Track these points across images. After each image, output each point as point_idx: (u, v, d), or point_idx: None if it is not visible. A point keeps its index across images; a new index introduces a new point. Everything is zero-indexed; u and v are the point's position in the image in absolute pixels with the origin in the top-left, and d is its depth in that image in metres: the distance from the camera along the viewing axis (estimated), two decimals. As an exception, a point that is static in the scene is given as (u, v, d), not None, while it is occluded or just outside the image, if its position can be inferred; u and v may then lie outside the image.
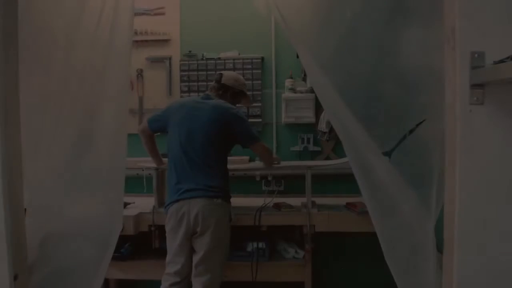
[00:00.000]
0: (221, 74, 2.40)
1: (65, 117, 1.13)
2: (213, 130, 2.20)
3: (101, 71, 1.23)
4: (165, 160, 2.58)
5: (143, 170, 2.95)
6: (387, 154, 1.03)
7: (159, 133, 2.45)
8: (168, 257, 2.25)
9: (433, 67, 0.97)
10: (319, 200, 2.73)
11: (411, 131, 1.03)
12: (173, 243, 2.22)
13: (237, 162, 2.90)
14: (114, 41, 1.25)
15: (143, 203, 2.71)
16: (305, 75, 3.00)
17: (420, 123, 1.01)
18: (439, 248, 1.03)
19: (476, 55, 0.87)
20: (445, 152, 0.94)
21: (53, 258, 1.11)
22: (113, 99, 1.26)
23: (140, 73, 3.16)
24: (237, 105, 2.45)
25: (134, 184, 3.13)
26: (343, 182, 3.02)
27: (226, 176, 2.29)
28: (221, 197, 2.19)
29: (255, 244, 2.55)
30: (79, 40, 1.21)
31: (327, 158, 3.07)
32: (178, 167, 2.23)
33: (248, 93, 3.02)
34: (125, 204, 2.66)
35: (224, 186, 2.24)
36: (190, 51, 3.11)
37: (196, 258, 2.18)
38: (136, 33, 3.15)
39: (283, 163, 2.92)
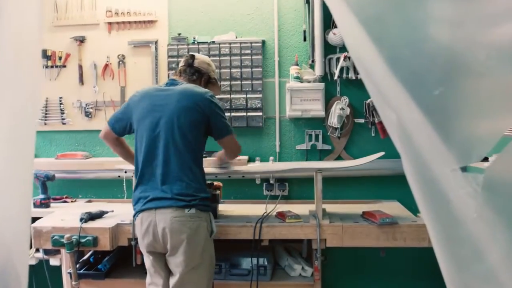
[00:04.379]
0: (193, 55, 2.07)
1: None
2: (184, 121, 1.83)
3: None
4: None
5: (125, 173, 2.56)
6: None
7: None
8: (147, 278, 1.94)
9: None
10: (330, 207, 2.37)
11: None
12: (146, 260, 1.91)
13: (234, 163, 2.51)
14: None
15: (124, 211, 2.34)
16: (313, 61, 2.60)
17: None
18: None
19: None
20: None
21: None
22: (10, 88, 0.85)
23: (121, 60, 2.78)
24: None
25: (114, 188, 2.76)
26: (356, 185, 2.69)
27: (202, 178, 1.91)
28: (195, 206, 1.80)
29: (254, 260, 2.21)
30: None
31: (339, 158, 2.69)
32: (144, 170, 1.87)
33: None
34: (102, 213, 2.31)
35: (199, 191, 1.85)
36: (179, 34, 2.74)
37: (171, 282, 1.84)
38: (117, 13, 2.78)
39: (287, 164, 2.55)
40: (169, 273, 1.86)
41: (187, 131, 1.83)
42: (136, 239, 2.15)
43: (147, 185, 1.85)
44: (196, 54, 2.10)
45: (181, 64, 2.06)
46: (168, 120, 1.83)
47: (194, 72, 2.01)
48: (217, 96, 1.96)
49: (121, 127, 1.99)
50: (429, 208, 0.65)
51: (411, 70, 0.61)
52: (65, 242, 2.06)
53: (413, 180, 0.64)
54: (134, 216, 1.91)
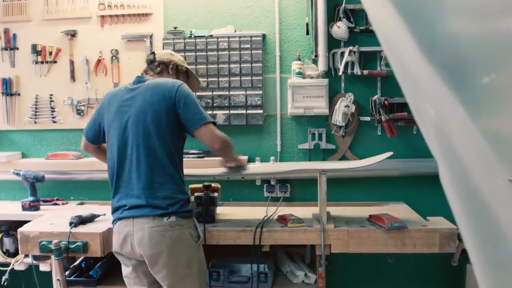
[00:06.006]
0: (153, 52, 1.97)
1: None
2: (151, 116, 1.68)
3: None
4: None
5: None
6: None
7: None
8: None
9: None
10: (334, 210, 2.25)
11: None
12: (126, 268, 1.79)
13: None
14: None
15: (116, 215, 2.19)
16: (316, 55, 2.47)
17: None
18: None
19: None
20: None
21: None
22: None
23: (115, 55, 2.65)
24: None
25: (107, 189, 2.61)
26: (362, 187, 2.58)
27: (180, 178, 1.75)
28: (174, 214, 1.67)
29: (254, 267, 2.10)
30: None
31: (343, 158, 2.56)
32: (118, 178, 1.75)
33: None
34: (94, 217, 2.19)
35: (176, 192, 1.70)
36: (175, 28, 2.61)
37: None
38: (110, 6, 2.65)
39: (289, 165, 2.42)
40: (152, 281, 1.75)
41: (156, 127, 1.68)
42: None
43: (123, 193, 1.73)
44: (157, 51, 2.01)
45: (146, 65, 1.94)
46: (135, 119, 1.70)
47: (158, 65, 1.87)
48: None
49: (95, 135, 1.86)
50: (472, 227, 0.52)
51: (453, 52, 0.48)
52: (53, 248, 1.94)
53: (453, 191, 0.51)
54: (112, 223, 1.80)
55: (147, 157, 1.68)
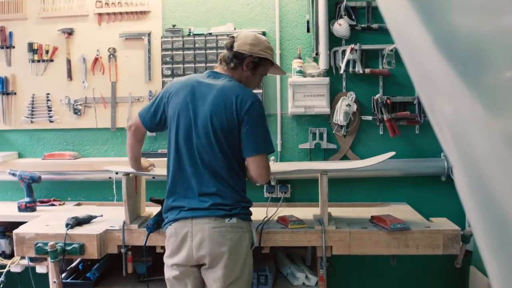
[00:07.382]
0: (233, 37, 1.70)
1: None
2: (218, 125, 1.60)
3: None
4: (150, 161, 2.06)
5: (116, 174, 2.40)
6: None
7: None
8: None
9: None
10: (335, 211, 2.21)
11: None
12: (171, 271, 1.66)
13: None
14: None
15: (114, 216, 2.18)
16: (317, 53, 2.43)
17: None
18: None
19: None
20: None
21: None
22: None
23: (112, 53, 2.61)
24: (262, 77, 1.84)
25: (104, 190, 2.60)
26: (363, 187, 2.54)
27: (243, 185, 1.70)
28: (236, 215, 1.61)
29: (255, 269, 2.01)
30: None
31: (344, 158, 2.52)
32: (176, 177, 1.67)
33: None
34: (90, 218, 2.16)
35: (241, 199, 1.66)
36: (174, 26, 2.57)
37: None
38: (107, 4, 2.58)
39: (289, 165, 2.39)
40: (197, 286, 1.66)
41: (222, 137, 1.60)
42: (126, 246, 2.00)
43: (181, 194, 1.65)
44: (239, 34, 1.72)
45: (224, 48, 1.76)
46: (202, 122, 1.61)
47: (232, 58, 1.66)
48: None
49: (152, 123, 1.74)
50: (490, 236, 0.49)
51: (473, 47, 0.44)
52: (49, 250, 1.90)
53: (469, 197, 0.47)
54: (164, 225, 1.72)
55: (211, 165, 1.61)
